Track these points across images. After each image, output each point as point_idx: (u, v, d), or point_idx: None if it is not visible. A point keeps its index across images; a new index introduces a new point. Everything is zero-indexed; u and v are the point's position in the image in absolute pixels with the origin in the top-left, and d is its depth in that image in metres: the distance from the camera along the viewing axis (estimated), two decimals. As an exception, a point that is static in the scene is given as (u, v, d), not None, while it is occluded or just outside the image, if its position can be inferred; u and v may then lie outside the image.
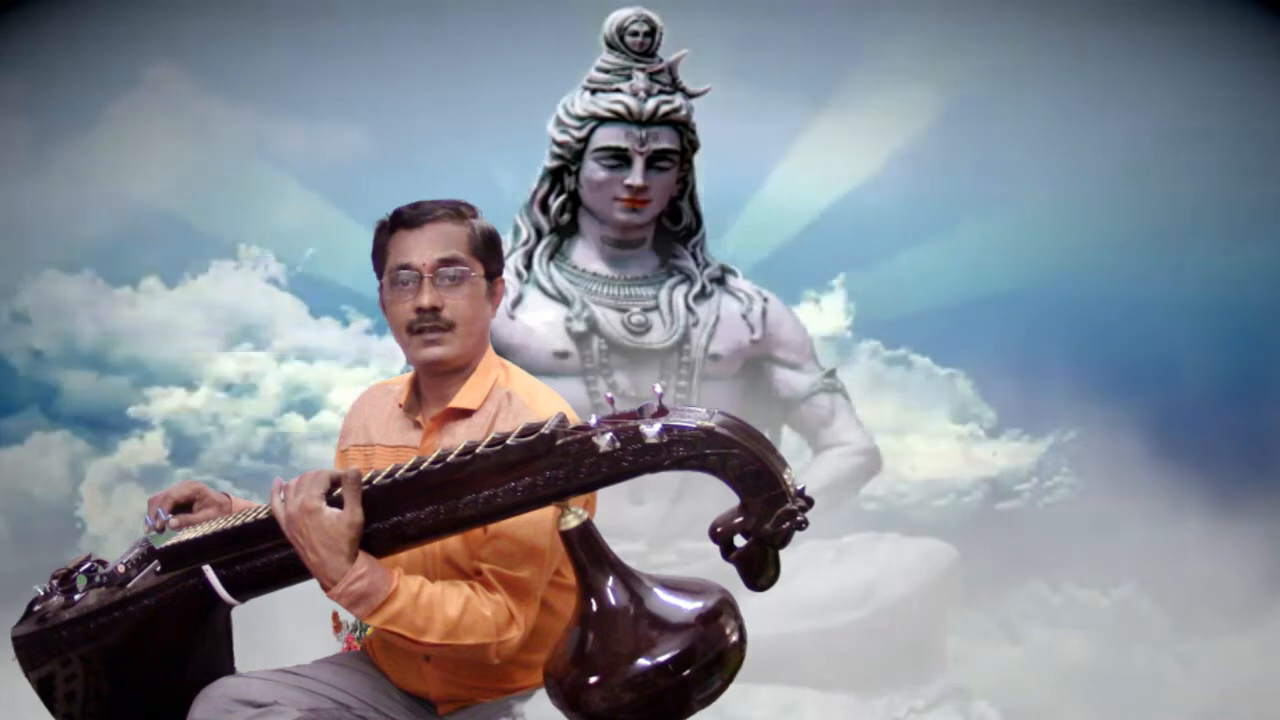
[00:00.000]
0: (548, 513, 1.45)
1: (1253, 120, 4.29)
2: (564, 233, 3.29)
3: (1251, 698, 3.32)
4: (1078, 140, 4.36)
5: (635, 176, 3.09)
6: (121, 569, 1.61)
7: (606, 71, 3.13)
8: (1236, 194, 4.32)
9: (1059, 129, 4.35)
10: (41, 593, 1.62)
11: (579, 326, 3.16)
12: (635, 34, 3.11)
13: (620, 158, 3.10)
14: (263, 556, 1.50)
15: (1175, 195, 4.33)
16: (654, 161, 3.10)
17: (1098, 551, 3.87)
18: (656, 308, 3.24)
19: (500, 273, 1.71)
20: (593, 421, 1.36)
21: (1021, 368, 4.23)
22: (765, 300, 3.37)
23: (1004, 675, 3.51)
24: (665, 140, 3.11)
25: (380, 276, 1.69)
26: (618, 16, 3.13)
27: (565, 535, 1.40)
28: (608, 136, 3.09)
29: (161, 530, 1.63)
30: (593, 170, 3.13)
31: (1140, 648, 3.68)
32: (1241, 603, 3.64)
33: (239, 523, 1.52)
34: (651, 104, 3.08)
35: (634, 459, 1.33)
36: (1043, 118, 4.34)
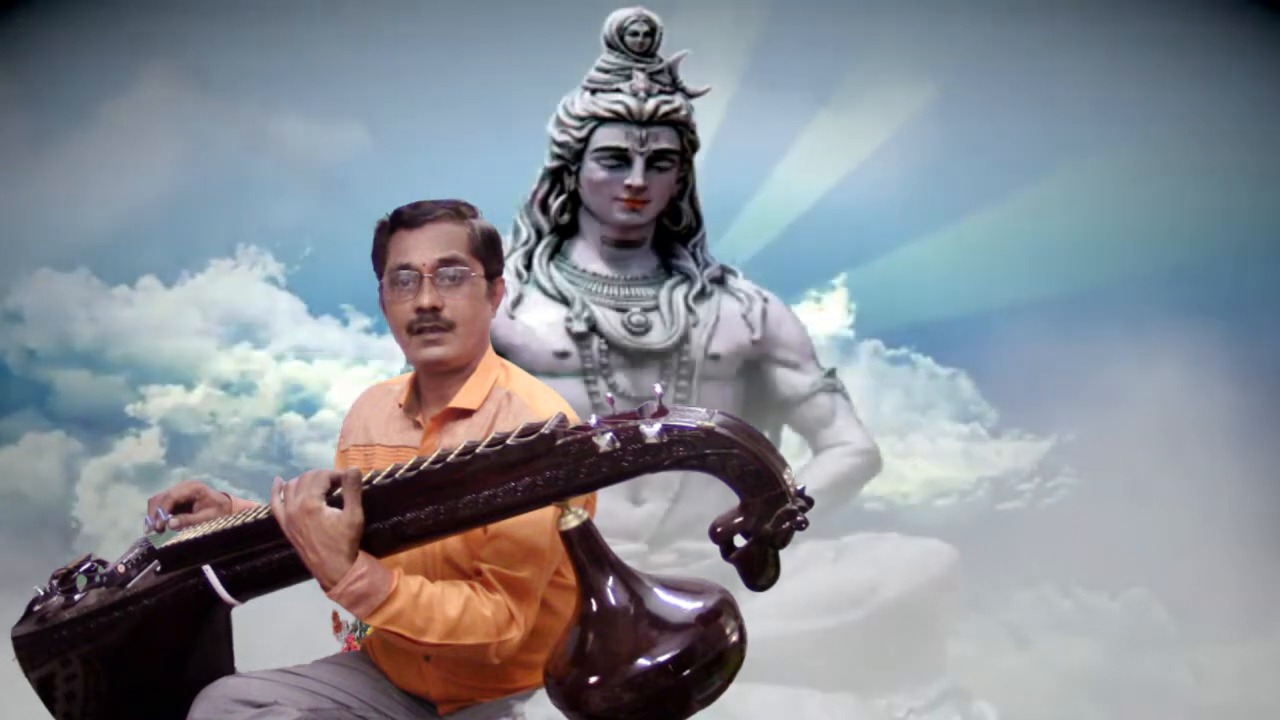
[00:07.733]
0: (548, 513, 1.44)
1: (1256, 119, 4.29)
2: (564, 233, 3.28)
3: (1261, 705, 3.30)
4: (1078, 138, 4.36)
5: (635, 176, 3.08)
6: (121, 569, 1.60)
7: (606, 71, 3.13)
8: (1240, 194, 4.31)
9: (1060, 127, 4.35)
10: (41, 593, 1.62)
11: (579, 326, 3.16)
12: (635, 34, 3.11)
13: (620, 158, 3.09)
14: (263, 556, 1.50)
15: (1178, 193, 4.33)
16: (654, 161, 3.10)
17: (1101, 553, 3.86)
18: (656, 308, 3.23)
19: (500, 273, 1.71)
20: (593, 421, 1.36)
21: (1023, 367, 4.22)
22: (765, 300, 3.36)
23: (1010, 679, 3.50)
24: (665, 140, 3.10)
25: (380, 276, 1.68)
26: (618, 16, 3.12)
27: (565, 535, 1.39)
28: (608, 136, 3.09)
29: (161, 530, 1.62)
30: (593, 170, 3.12)
31: (1149, 652, 3.66)
32: (1252, 608, 3.62)
33: (239, 523, 1.52)
34: (651, 104, 3.08)
35: (634, 459, 1.33)
36: (1044, 116, 4.34)
